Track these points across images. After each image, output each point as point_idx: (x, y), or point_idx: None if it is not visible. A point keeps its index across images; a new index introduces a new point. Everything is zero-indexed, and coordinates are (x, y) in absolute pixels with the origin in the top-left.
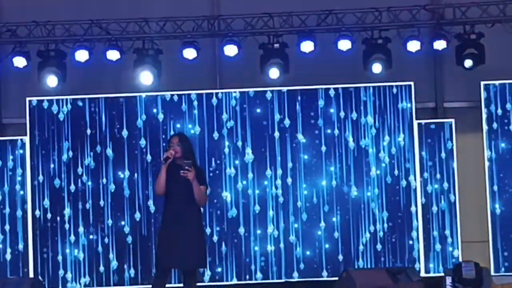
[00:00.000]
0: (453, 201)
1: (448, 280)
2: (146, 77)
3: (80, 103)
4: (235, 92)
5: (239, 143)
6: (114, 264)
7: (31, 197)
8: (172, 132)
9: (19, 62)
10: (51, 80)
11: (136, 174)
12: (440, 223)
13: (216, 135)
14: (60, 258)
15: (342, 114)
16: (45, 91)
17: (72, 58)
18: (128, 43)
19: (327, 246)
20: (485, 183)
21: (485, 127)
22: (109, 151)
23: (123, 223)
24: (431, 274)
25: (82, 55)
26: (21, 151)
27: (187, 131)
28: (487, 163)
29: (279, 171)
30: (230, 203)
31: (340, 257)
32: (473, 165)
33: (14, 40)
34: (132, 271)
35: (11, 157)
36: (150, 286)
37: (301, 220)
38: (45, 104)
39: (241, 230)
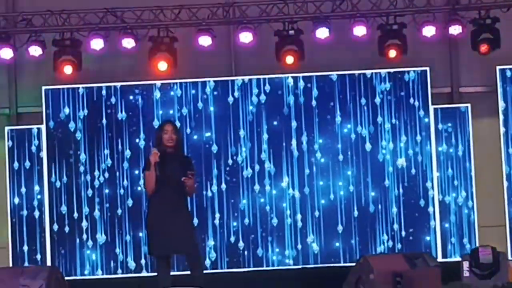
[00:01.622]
0: (470, 188)
1: (465, 265)
2: (161, 64)
3: (96, 91)
4: (251, 83)
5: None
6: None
7: (47, 186)
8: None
9: (35, 51)
10: (67, 69)
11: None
12: (457, 210)
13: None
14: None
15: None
16: (61, 80)
17: (87, 46)
18: (143, 31)
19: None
20: (501, 167)
21: (501, 111)
22: (126, 144)
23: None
24: (448, 259)
25: (97, 44)
26: (36, 140)
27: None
28: (503, 148)
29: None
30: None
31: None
32: (490, 149)
33: (29, 29)
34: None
35: (27, 145)
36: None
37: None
38: (61, 93)
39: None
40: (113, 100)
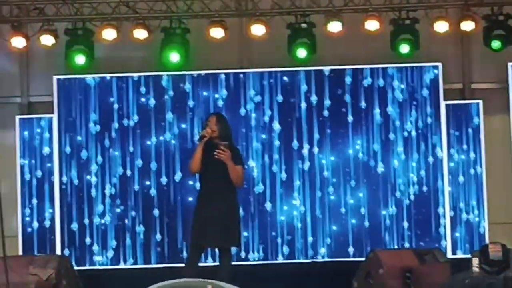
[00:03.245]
0: (480, 184)
1: (475, 261)
2: (173, 55)
3: (108, 82)
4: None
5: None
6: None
7: (58, 172)
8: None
9: (47, 40)
10: (79, 58)
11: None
12: (467, 205)
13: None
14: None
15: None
16: (73, 69)
17: (99, 36)
18: (156, 22)
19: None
20: None
21: None
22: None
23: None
24: (458, 256)
25: (109, 34)
26: (48, 129)
27: None
28: None
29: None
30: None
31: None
32: (501, 146)
33: (42, 18)
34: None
35: (38, 135)
36: (183, 265)
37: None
38: (72, 82)
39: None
40: (124, 91)
